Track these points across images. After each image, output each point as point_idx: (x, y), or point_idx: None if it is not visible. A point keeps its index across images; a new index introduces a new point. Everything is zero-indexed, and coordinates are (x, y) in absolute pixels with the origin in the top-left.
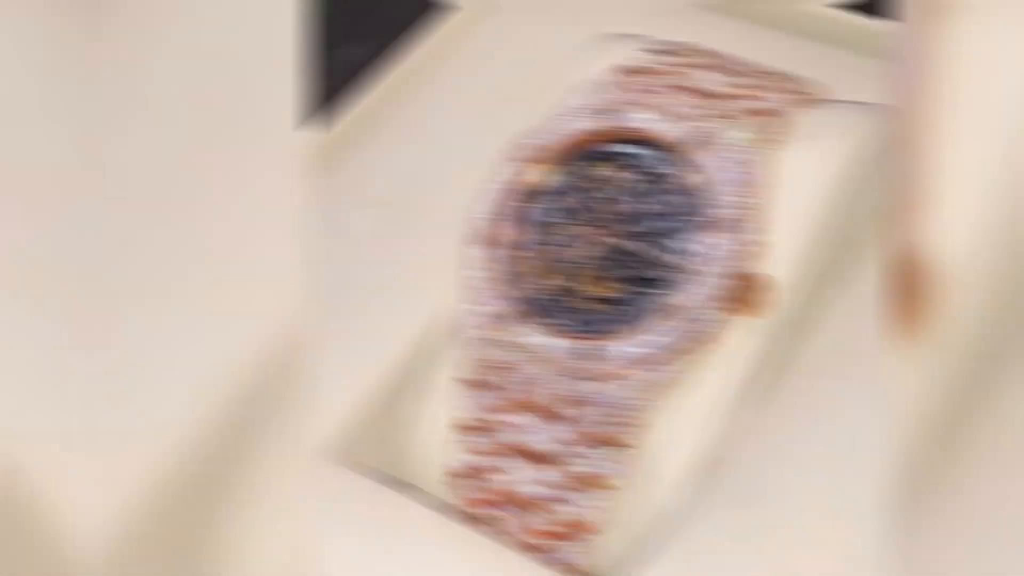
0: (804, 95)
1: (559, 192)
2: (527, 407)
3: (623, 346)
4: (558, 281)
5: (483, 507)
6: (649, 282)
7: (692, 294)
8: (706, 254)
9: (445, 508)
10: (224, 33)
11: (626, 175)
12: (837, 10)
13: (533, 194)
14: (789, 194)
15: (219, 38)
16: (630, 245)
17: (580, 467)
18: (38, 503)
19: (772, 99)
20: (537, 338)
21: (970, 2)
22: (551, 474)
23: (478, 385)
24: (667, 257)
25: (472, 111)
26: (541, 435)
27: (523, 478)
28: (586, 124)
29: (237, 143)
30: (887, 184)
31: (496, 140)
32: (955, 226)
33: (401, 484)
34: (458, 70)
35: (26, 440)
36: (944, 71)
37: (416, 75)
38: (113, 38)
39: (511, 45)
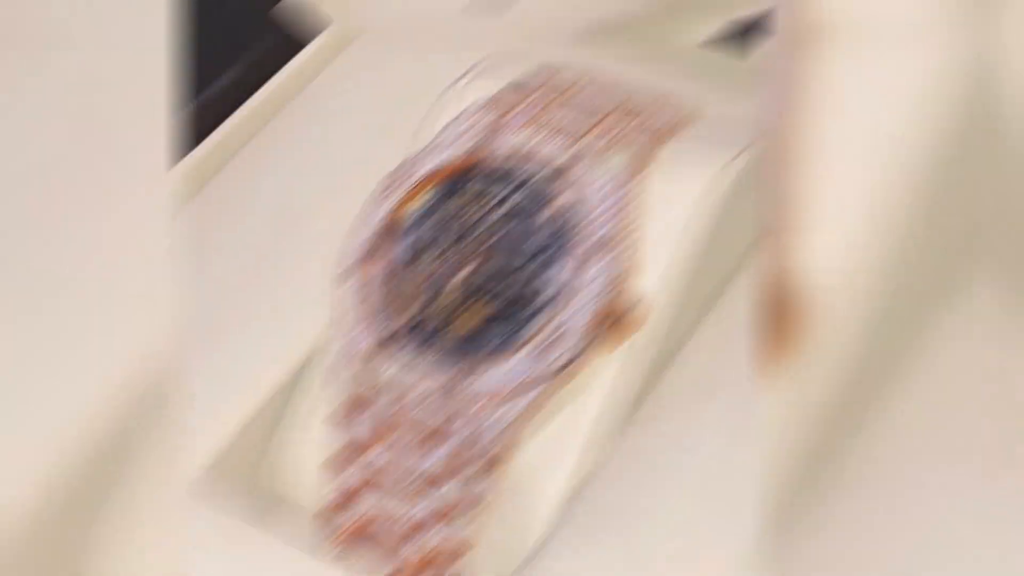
0: (676, 120)
1: (426, 224)
2: (392, 439)
3: (489, 376)
4: (424, 313)
5: (353, 538)
6: (515, 310)
7: (560, 322)
8: (574, 281)
9: (316, 540)
10: (93, 61)
11: (495, 203)
12: (707, 50)
13: (401, 228)
14: (660, 219)
15: (87, 67)
16: (501, 272)
17: (446, 496)
18: None
19: (644, 123)
20: (402, 372)
21: (841, 26)
22: (417, 505)
23: (348, 416)
24: (538, 283)
25: (339, 138)
26: (406, 466)
27: (389, 509)
28: (455, 152)
29: (107, 168)
30: (760, 209)
31: (363, 168)
32: (827, 251)
33: (272, 515)
34: (324, 96)
35: None
36: (816, 96)
37: (283, 101)
38: None
39: (379, 72)
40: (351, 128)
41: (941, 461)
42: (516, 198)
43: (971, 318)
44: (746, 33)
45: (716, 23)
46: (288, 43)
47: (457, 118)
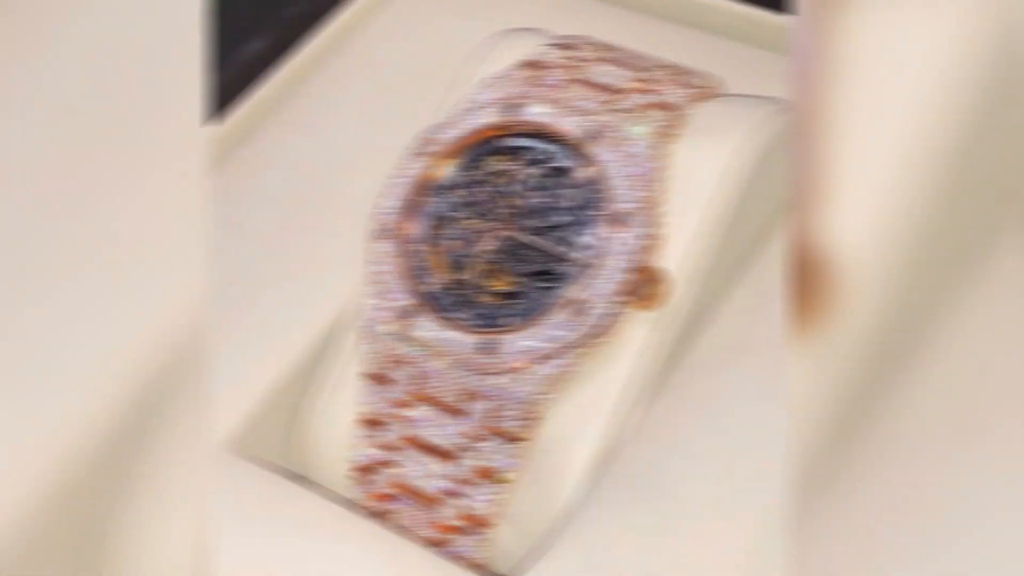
0: (702, 89)
1: (459, 186)
2: (425, 401)
3: (520, 340)
4: (457, 275)
5: (382, 501)
6: (546, 276)
7: (589, 287)
8: (603, 247)
9: (345, 503)
10: (126, 28)
11: (525, 169)
12: (737, 4)
13: (434, 188)
14: (686, 188)
15: (121, 33)
16: (528, 239)
17: (477, 460)
18: None
19: (670, 93)
20: (436, 332)
21: None
22: (448, 468)
23: (379, 379)
24: (564, 250)
25: (368, 103)
26: (439, 429)
27: (421, 472)
28: (486, 118)
29: (136, 137)
30: (787, 178)
31: (393, 133)
32: (854, 220)
33: (301, 479)
34: (354, 62)
35: None
36: (842, 64)
37: (313, 67)
38: (6, 35)
39: (407, 38)
40: (384, 90)
41: (969, 429)
42: (548, 163)
43: (1000, 284)
44: None
45: None
46: (319, 8)
47: (490, 82)
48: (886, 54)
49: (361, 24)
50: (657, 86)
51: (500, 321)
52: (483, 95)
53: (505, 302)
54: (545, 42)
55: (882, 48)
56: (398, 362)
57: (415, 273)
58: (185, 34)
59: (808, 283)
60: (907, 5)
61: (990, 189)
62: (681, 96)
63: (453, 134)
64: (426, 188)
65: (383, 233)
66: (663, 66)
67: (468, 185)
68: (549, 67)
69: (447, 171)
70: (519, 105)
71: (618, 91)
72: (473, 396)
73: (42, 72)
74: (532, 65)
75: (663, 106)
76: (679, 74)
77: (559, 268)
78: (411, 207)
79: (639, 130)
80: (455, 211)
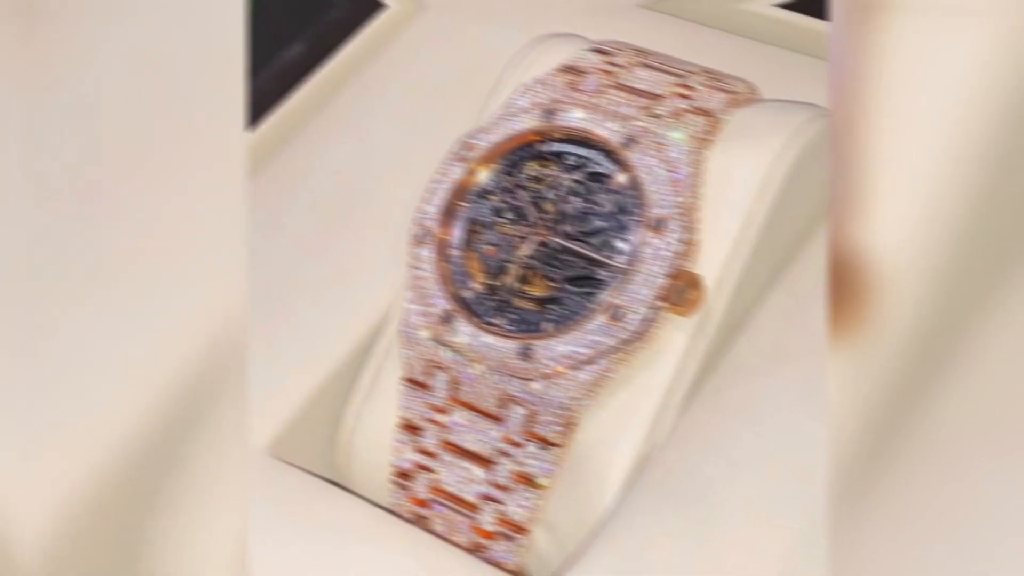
0: (740, 94)
1: (498, 191)
2: (463, 406)
3: (558, 345)
4: (495, 280)
5: (420, 507)
6: (584, 281)
7: (626, 293)
8: (641, 253)
9: (383, 508)
10: (167, 34)
11: (563, 174)
12: (780, 10)
13: (473, 193)
14: (724, 193)
15: (161, 39)
16: (566, 244)
17: (514, 466)
18: None
19: (708, 98)
20: (474, 337)
21: (904, 1)
22: (486, 473)
23: (418, 384)
24: (602, 256)
25: (405, 109)
26: (477, 434)
27: (459, 478)
28: (525, 123)
29: (174, 143)
30: (824, 184)
31: (430, 138)
32: (891, 226)
33: (340, 484)
34: (390, 68)
35: None
36: (880, 70)
37: (350, 73)
38: (51, 40)
39: (443, 44)
40: (421, 95)
41: (1006, 437)
42: (585, 169)
43: None
44: (796, 5)
45: None
46: (355, 14)
47: (529, 87)
48: (922, 61)
49: (396, 30)
50: (694, 91)
51: (538, 326)
52: (522, 100)
53: (543, 307)
54: (583, 47)
55: (918, 55)
56: (436, 367)
57: (454, 278)
58: (227, 39)
59: (846, 289)
60: (946, 12)
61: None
62: (719, 101)
63: (492, 139)
64: (465, 193)
65: (423, 238)
66: (701, 71)
67: (506, 190)
68: (587, 72)
69: (486, 176)
70: (557, 110)
71: (656, 96)
72: (511, 402)
73: (86, 76)
74: (570, 70)
75: (701, 111)
76: (717, 79)
77: (597, 273)
78: (450, 212)
79: (677, 135)
80: (493, 216)
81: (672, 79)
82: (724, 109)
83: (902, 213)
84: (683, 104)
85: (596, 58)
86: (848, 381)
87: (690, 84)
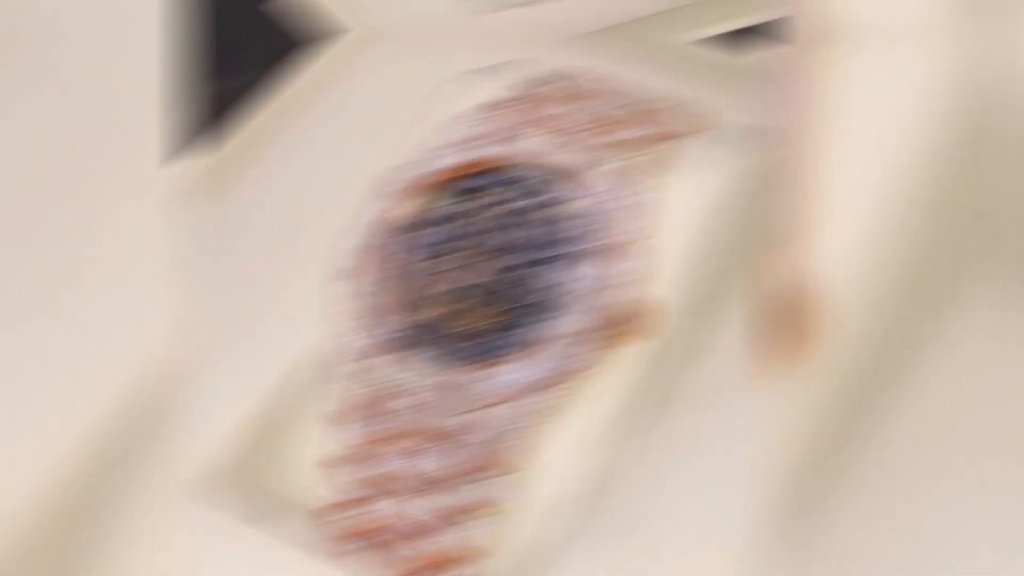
0: (687, 122)
1: (434, 222)
2: (397, 438)
3: (499, 375)
4: (430, 313)
5: (355, 540)
6: (526, 311)
7: (571, 322)
8: (586, 282)
9: (317, 543)
10: (89, 65)
11: (505, 204)
12: (710, 48)
13: (407, 227)
14: (671, 222)
15: (84, 70)
16: (506, 274)
17: (457, 497)
18: None
19: (655, 126)
20: (407, 370)
21: (849, 29)
22: (424, 504)
23: (346, 418)
24: (544, 286)
25: (344, 142)
26: (413, 464)
27: (394, 509)
28: (460, 154)
29: (109, 173)
30: (772, 211)
31: (367, 172)
32: (837, 252)
33: (273, 518)
34: (335, 100)
35: None
36: (827, 98)
37: (295, 104)
38: None
39: (388, 76)
40: (358, 132)
41: (952, 460)
42: (524, 201)
43: (981, 316)
44: (741, 32)
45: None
46: (287, 47)
47: (461, 120)
48: (867, 89)
49: (349, 61)
50: (643, 119)
51: (476, 357)
52: (453, 135)
53: (482, 338)
54: (529, 74)
55: (863, 84)
56: (363, 400)
57: (379, 312)
58: (144, 75)
59: (791, 314)
60: (888, 43)
61: (971, 220)
62: (667, 129)
63: (420, 171)
64: (393, 227)
65: (344, 272)
66: (649, 98)
67: (440, 225)
68: (532, 100)
69: (421, 208)
70: (504, 138)
71: (609, 123)
72: (446, 435)
73: (8, 109)
74: (513, 99)
75: (649, 139)
76: (665, 106)
77: (539, 303)
78: (374, 246)
79: (624, 163)
80: (429, 249)
81: (621, 106)
82: (674, 136)
83: (847, 239)
84: (631, 132)
85: (543, 86)
86: (794, 407)
87: (639, 111)
